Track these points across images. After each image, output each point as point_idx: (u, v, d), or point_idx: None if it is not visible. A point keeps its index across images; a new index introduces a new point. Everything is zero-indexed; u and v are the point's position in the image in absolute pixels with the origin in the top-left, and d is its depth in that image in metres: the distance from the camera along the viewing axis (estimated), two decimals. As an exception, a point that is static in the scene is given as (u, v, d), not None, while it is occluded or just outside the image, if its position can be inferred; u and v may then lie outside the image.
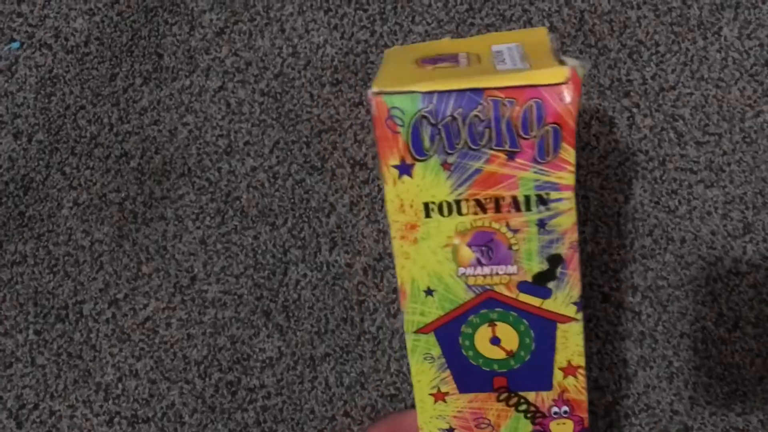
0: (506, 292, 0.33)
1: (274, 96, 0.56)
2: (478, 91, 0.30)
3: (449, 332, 0.34)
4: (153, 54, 0.57)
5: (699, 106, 0.54)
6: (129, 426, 0.52)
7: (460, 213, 0.32)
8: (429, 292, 0.34)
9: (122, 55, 0.57)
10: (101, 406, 0.52)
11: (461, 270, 0.33)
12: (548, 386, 0.35)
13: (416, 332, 0.35)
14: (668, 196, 0.53)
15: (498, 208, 0.31)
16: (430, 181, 0.31)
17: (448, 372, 0.35)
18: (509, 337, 0.34)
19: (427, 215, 0.32)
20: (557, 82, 0.29)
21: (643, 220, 0.53)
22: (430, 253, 0.33)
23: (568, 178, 0.30)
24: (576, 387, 0.35)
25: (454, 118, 0.30)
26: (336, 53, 0.56)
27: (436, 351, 0.35)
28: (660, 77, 0.55)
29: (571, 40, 0.55)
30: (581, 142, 0.54)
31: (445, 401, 0.36)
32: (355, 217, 0.54)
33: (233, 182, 0.55)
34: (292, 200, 0.54)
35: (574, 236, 0.32)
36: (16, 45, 0.58)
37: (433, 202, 0.32)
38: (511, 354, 0.34)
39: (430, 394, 0.36)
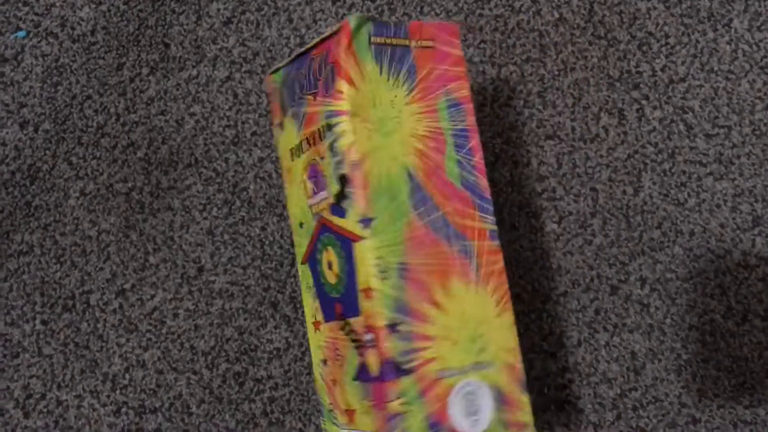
0: (327, 216, 0.36)
1: (282, 86, 0.56)
2: (305, 54, 0.37)
3: (313, 261, 0.38)
4: (160, 44, 0.57)
5: (709, 99, 0.54)
6: (136, 416, 0.52)
7: (302, 152, 0.37)
8: (301, 225, 0.38)
9: (129, 45, 0.57)
10: (108, 396, 0.52)
11: (309, 201, 0.37)
12: (357, 311, 0.35)
13: (301, 263, 0.39)
14: (677, 189, 0.53)
15: (314, 142, 0.36)
16: (289, 131, 0.38)
17: (318, 302, 0.38)
18: (335, 261, 0.36)
19: (292, 159, 0.38)
20: (334, 32, 0.35)
21: (652, 213, 0.53)
22: (296, 191, 0.38)
23: (343, 105, 0.34)
24: (373, 311, 0.34)
25: (295, 77, 0.37)
26: (344, 43, 0.56)
27: (311, 280, 0.38)
28: (670, 69, 0.54)
29: (580, 31, 0.55)
30: (590, 133, 0.54)
31: (319, 330, 0.38)
32: (362, 208, 0.54)
33: (240, 173, 0.55)
34: (300, 191, 0.54)
35: (352, 156, 0.34)
36: (22, 34, 0.57)
37: (292, 148, 0.38)
38: (338, 278, 0.36)
39: (312, 323, 0.39)
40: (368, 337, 0.34)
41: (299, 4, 0.56)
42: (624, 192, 0.53)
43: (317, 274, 0.37)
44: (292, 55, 0.38)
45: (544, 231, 0.53)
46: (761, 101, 0.53)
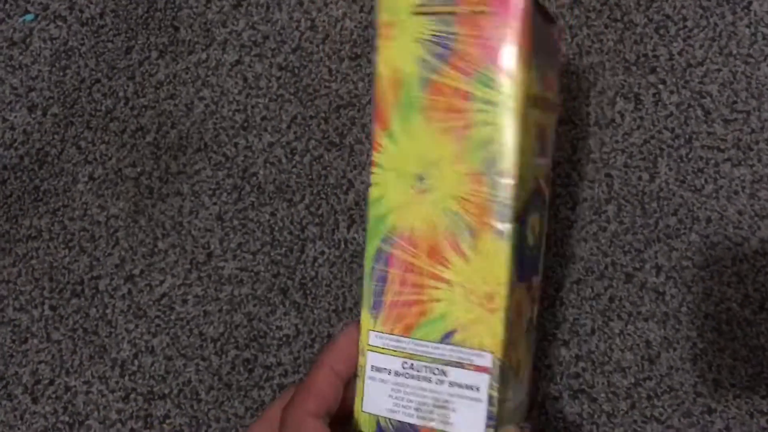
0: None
1: (292, 70, 0.55)
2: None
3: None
4: (169, 27, 0.56)
5: (727, 83, 0.53)
6: (145, 402, 0.52)
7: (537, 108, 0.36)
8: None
9: (138, 28, 0.56)
10: (117, 382, 0.52)
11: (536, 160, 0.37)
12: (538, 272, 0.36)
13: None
14: (694, 175, 0.52)
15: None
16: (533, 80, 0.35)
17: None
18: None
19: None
20: None
21: (668, 199, 0.52)
22: (528, 143, 0.36)
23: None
24: None
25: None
26: (355, 27, 0.55)
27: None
28: (687, 53, 0.53)
29: (596, 14, 0.54)
30: (605, 118, 0.53)
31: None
32: (373, 193, 0.53)
33: (250, 158, 0.54)
34: (310, 176, 0.53)
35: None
36: (30, 17, 0.57)
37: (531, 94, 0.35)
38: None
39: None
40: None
41: (310, -14, 0.55)
42: (640, 178, 0.52)
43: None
44: None
45: (558, 217, 0.52)
46: (781, 86, 0.52)
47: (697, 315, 0.50)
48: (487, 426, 0.34)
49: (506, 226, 0.34)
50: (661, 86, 0.53)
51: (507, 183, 0.34)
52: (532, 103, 0.35)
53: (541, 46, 0.36)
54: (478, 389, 0.34)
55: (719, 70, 0.53)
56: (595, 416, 0.49)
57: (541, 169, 0.37)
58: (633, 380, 0.50)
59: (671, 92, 0.53)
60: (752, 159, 0.52)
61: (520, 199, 0.35)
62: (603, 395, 0.50)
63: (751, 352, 0.49)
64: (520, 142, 0.34)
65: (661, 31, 0.54)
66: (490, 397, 0.34)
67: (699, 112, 0.52)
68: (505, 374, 0.34)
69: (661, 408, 0.49)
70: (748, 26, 0.53)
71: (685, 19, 0.53)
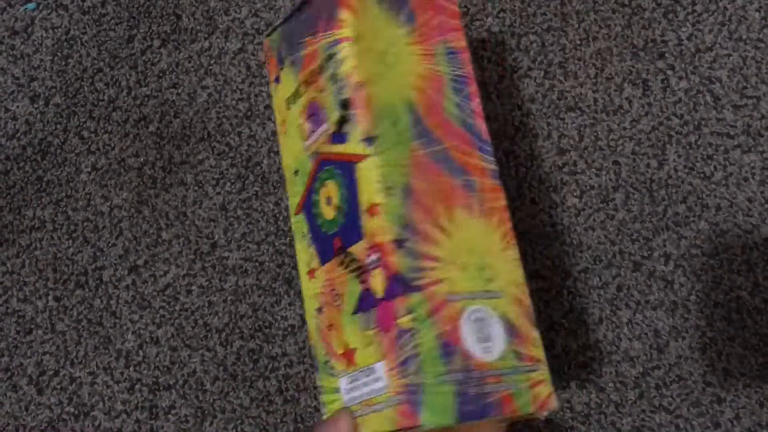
0: (326, 149, 0.36)
1: (296, 58, 0.54)
2: (302, 7, 0.38)
3: (308, 206, 0.37)
4: (171, 15, 0.56)
5: (737, 68, 0.52)
6: (150, 393, 0.51)
7: (299, 96, 0.38)
8: (296, 172, 0.38)
9: (140, 16, 0.56)
10: (122, 373, 0.52)
11: (305, 143, 0.38)
12: (360, 234, 0.34)
13: (295, 214, 0.38)
14: (703, 162, 0.51)
15: (314, 80, 0.37)
16: (287, 82, 0.39)
17: (313, 247, 0.37)
18: (334, 192, 0.36)
19: (288, 107, 0.39)
20: None
21: (677, 187, 0.51)
22: (291, 139, 0.38)
23: (345, 32, 0.35)
24: (379, 227, 0.33)
25: (293, 29, 0.39)
26: (359, 14, 0.55)
27: (305, 228, 0.37)
28: (696, 38, 0.53)
29: (603, -1, 0.53)
30: (613, 105, 0.52)
31: (315, 277, 0.37)
32: (378, 182, 0.52)
33: (254, 147, 0.54)
34: (314, 165, 0.53)
35: (355, 78, 0.34)
36: (32, 6, 0.56)
37: (289, 96, 0.39)
38: (337, 209, 0.35)
39: (306, 273, 0.37)
40: (373, 257, 0.33)
41: (313, -28, 0.55)
42: (648, 165, 0.51)
43: (313, 218, 0.37)
44: (287, 14, 0.39)
45: (565, 206, 0.51)
46: (792, 71, 0.51)
47: (707, 304, 0.50)
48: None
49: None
50: (669, 72, 0.52)
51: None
52: (285, 105, 0.40)
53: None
54: None
55: (729, 55, 0.52)
56: (603, 406, 0.49)
57: (323, 137, 0.37)
58: (641, 370, 0.49)
59: (680, 78, 0.52)
60: (762, 145, 0.51)
61: (298, 194, 0.38)
62: (611, 385, 0.49)
63: (761, 341, 0.49)
64: (281, 151, 0.40)
65: (670, 16, 0.53)
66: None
67: (708, 98, 0.52)
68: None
69: (669, 397, 0.49)
70: (758, 10, 0.52)
71: (694, 3, 0.53)
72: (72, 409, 0.52)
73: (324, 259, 0.36)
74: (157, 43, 0.55)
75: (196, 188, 0.53)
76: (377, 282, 0.33)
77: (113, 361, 0.52)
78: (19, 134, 0.55)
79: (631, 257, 0.50)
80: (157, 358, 0.52)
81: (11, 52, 0.56)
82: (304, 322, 0.51)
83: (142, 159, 0.54)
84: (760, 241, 0.50)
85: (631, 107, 0.52)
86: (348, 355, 0.34)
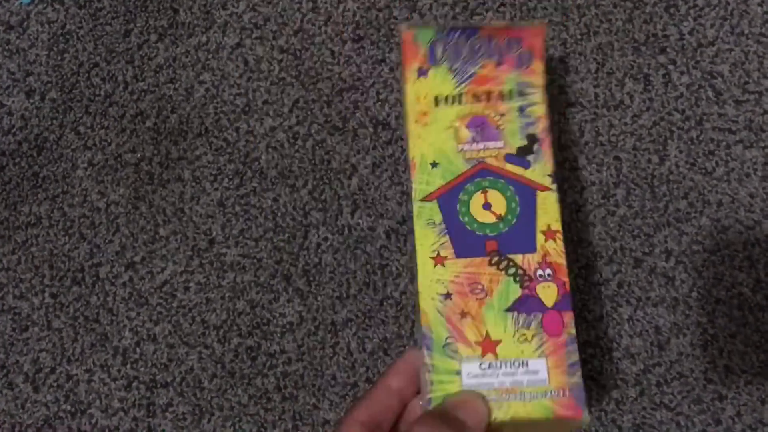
0: (495, 163, 0.41)
1: (294, 53, 0.54)
2: (476, 28, 0.43)
3: (449, 200, 0.41)
4: (168, 9, 0.55)
5: (739, 63, 0.52)
6: (147, 390, 0.51)
7: (460, 103, 0.42)
8: (434, 165, 0.41)
9: (136, 11, 0.55)
10: (119, 371, 0.51)
11: (460, 146, 0.42)
12: (533, 248, 0.40)
13: (422, 200, 0.41)
14: (705, 157, 0.51)
15: (489, 99, 0.42)
16: (440, 82, 0.43)
17: (447, 237, 0.41)
18: (498, 203, 0.41)
19: (436, 105, 0.42)
20: (532, 26, 0.43)
21: (678, 183, 0.51)
22: (436, 134, 0.42)
23: (538, 80, 0.42)
24: (556, 250, 0.40)
25: (458, 41, 0.43)
26: (358, 8, 0.54)
27: (438, 217, 0.41)
28: (698, 32, 0.52)
29: (604, -7, 0.53)
30: (614, 100, 0.52)
31: (444, 265, 0.40)
32: (377, 178, 0.52)
33: (252, 143, 0.53)
34: (313, 161, 0.53)
35: (546, 122, 0.41)
36: (27, 0, 0.56)
37: (441, 96, 0.42)
38: (500, 218, 0.40)
39: (431, 257, 0.40)
40: (545, 272, 0.39)
41: (311, -34, 0.54)
42: (649, 161, 0.51)
43: (455, 213, 0.41)
44: (447, 24, 0.44)
45: (566, 202, 0.51)
46: (794, 65, 0.51)
47: (708, 300, 0.49)
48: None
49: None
50: (671, 67, 0.52)
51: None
52: (433, 101, 0.43)
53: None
54: None
55: (731, 50, 0.52)
56: (604, 403, 0.49)
57: (494, 152, 0.42)
58: (642, 366, 0.49)
59: (681, 73, 0.52)
60: (764, 141, 0.51)
61: (434, 184, 0.42)
62: (612, 382, 0.49)
63: (762, 338, 0.49)
64: (410, 133, 0.43)
65: (671, 10, 0.52)
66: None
67: (710, 93, 0.51)
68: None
69: (670, 395, 0.48)
70: (760, 4, 0.52)
71: (695, -2, 0.52)
72: (69, 407, 0.51)
73: (463, 252, 0.40)
74: (154, 37, 0.55)
75: (193, 184, 0.53)
76: (548, 294, 0.39)
77: (110, 358, 0.52)
78: (14, 130, 0.54)
79: (632, 253, 0.50)
80: (155, 356, 0.51)
81: (6, 47, 0.56)
82: (302, 319, 0.51)
83: (138, 155, 0.54)
84: (762, 237, 0.49)
85: (633, 102, 0.52)
86: (488, 344, 0.39)
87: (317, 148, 0.53)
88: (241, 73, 0.54)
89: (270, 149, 0.53)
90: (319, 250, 0.52)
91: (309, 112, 0.53)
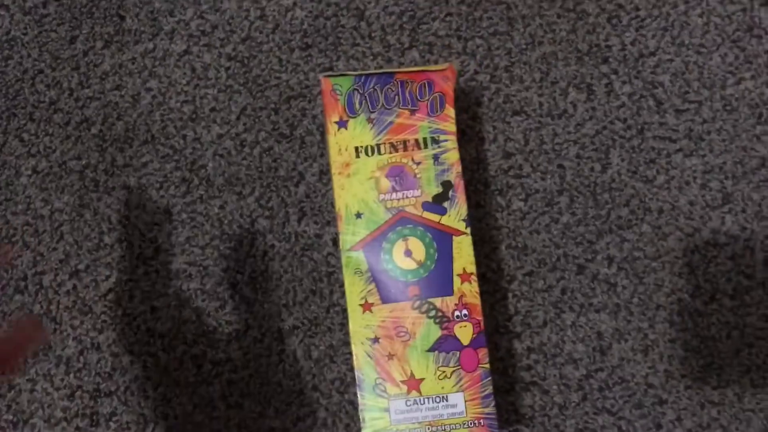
0: (414, 211, 0.43)
1: (242, 60, 0.54)
2: (390, 74, 0.45)
3: (373, 249, 0.43)
4: (114, 16, 0.55)
5: (679, 73, 0.53)
6: (91, 400, 0.50)
7: (379, 153, 0.44)
8: (359, 215, 0.43)
9: (82, 17, 0.55)
10: (62, 380, 0.51)
11: (381, 196, 0.44)
12: (450, 291, 0.43)
13: (348, 250, 0.43)
14: (646, 166, 0.52)
15: (405, 148, 0.44)
16: (359, 132, 0.44)
17: (373, 285, 0.43)
18: (418, 249, 0.43)
19: (357, 156, 0.44)
20: (442, 69, 0.45)
21: (620, 190, 0.51)
22: (358, 184, 0.44)
23: (451, 126, 0.44)
24: (471, 291, 0.43)
25: (374, 90, 0.45)
26: (306, 16, 0.54)
27: (364, 266, 0.43)
28: (639, 43, 0.53)
29: (548, 3, 0.53)
30: (558, 109, 0.52)
31: (371, 311, 0.43)
32: (324, 186, 0.52)
33: (199, 150, 0.53)
34: (260, 169, 0.53)
35: (459, 168, 0.44)
36: (-30, 5, 0.55)
37: (361, 146, 0.44)
38: (420, 264, 0.43)
39: (360, 305, 0.43)
40: (462, 312, 0.42)
41: (258, -26, 0.54)
42: (592, 169, 0.52)
43: (379, 260, 0.43)
44: (361, 71, 0.46)
45: (511, 209, 0.51)
46: (732, 75, 0.52)
47: (649, 306, 0.50)
48: None
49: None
50: (613, 76, 0.53)
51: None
52: (354, 152, 0.45)
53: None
54: None
55: (671, 60, 0.53)
56: (547, 408, 0.49)
57: (412, 200, 0.44)
58: (585, 372, 0.49)
59: (623, 82, 0.53)
60: (704, 149, 0.52)
61: (359, 234, 0.43)
62: (555, 387, 0.49)
63: (702, 343, 0.49)
64: (336, 185, 0.44)
65: (614, 21, 0.53)
66: None
67: (651, 102, 0.52)
68: None
69: (612, 399, 0.49)
70: (700, 16, 0.53)
71: (637, 9, 0.53)
72: (11, 417, 0.50)
73: (388, 298, 0.43)
74: (100, 44, 0.54)
75: (139, 191, 0.53)
76: (465, 333, 0.42)
77: (53, 367, 0.51)
78: (-44, 136, 0.54)
79: (575, 260, 0.51)
80: (99, 365, 0.51)
81: (-51, 53, 0.55)
82: (248, 326, 0.51)
83: (84, 162, 0.53)
84: (701, 243, 0.50)
85: (576, 111, 0.52)
86: (412, 382, 0.42)
87: (264, 155, 0.53)
88: (188, 80, 0.54)
89: (217, 156, 0.53)
90: (266, 258, 0.51)
91: (256, 120, 0.53)
